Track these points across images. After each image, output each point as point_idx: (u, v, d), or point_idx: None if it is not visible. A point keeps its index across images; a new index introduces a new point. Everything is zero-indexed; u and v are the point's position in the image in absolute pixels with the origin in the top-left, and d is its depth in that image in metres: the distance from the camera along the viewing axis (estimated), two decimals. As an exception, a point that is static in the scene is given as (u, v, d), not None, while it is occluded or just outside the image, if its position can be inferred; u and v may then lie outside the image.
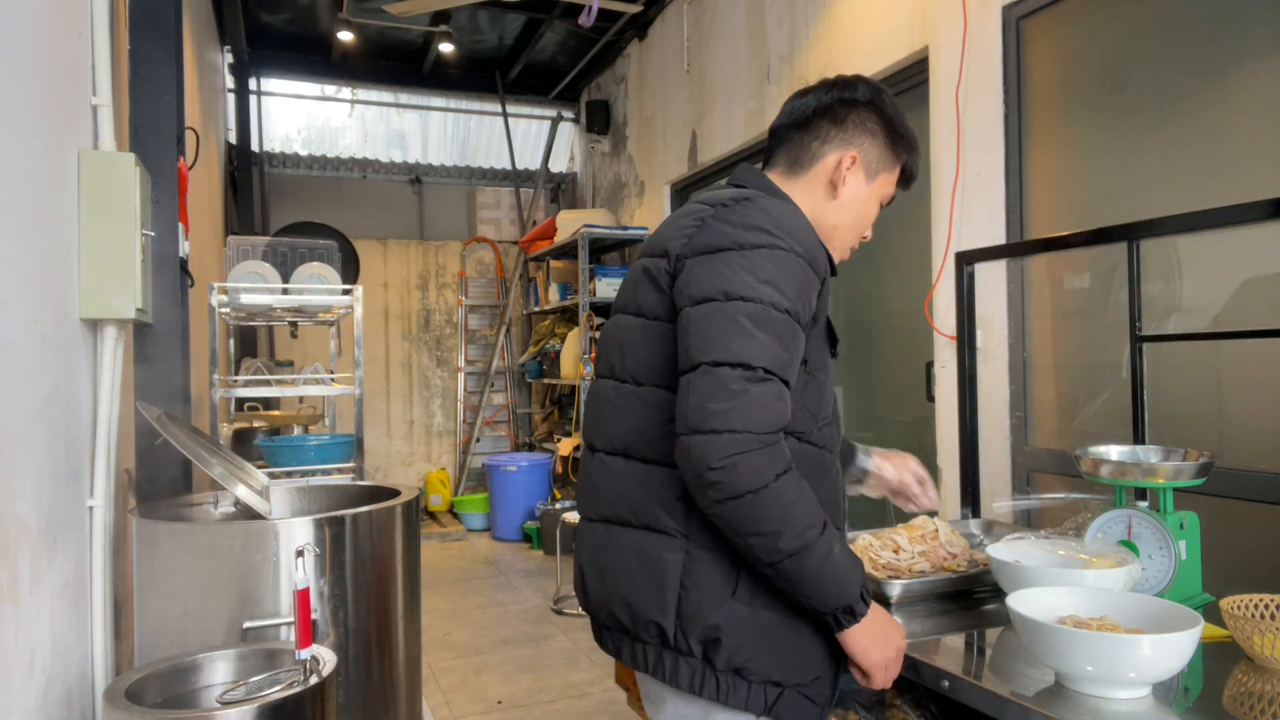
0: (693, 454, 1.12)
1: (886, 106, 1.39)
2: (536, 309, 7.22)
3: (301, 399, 5.56)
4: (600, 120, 6.79)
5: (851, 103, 1.38)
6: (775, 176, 1.41)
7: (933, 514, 1.78)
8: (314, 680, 1.37)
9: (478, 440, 7.38)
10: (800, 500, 1.15)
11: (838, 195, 1.38)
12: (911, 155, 1.43)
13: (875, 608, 1.23)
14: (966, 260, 2.23)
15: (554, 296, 6.65)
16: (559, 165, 7.80)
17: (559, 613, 4.57)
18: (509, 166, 7.61)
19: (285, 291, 3.49)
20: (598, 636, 1.40)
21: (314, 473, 3.32)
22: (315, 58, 6.81)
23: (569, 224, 6.26)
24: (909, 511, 1.73)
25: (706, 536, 1.23)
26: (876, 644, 1.22)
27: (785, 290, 1.18)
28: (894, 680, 1.26)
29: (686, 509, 1.23)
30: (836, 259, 1.42)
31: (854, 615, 1.20)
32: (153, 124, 2.30)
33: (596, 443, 1.37)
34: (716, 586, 1.22)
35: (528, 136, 7.73)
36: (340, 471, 3.40)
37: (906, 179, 1.45)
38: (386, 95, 7.26)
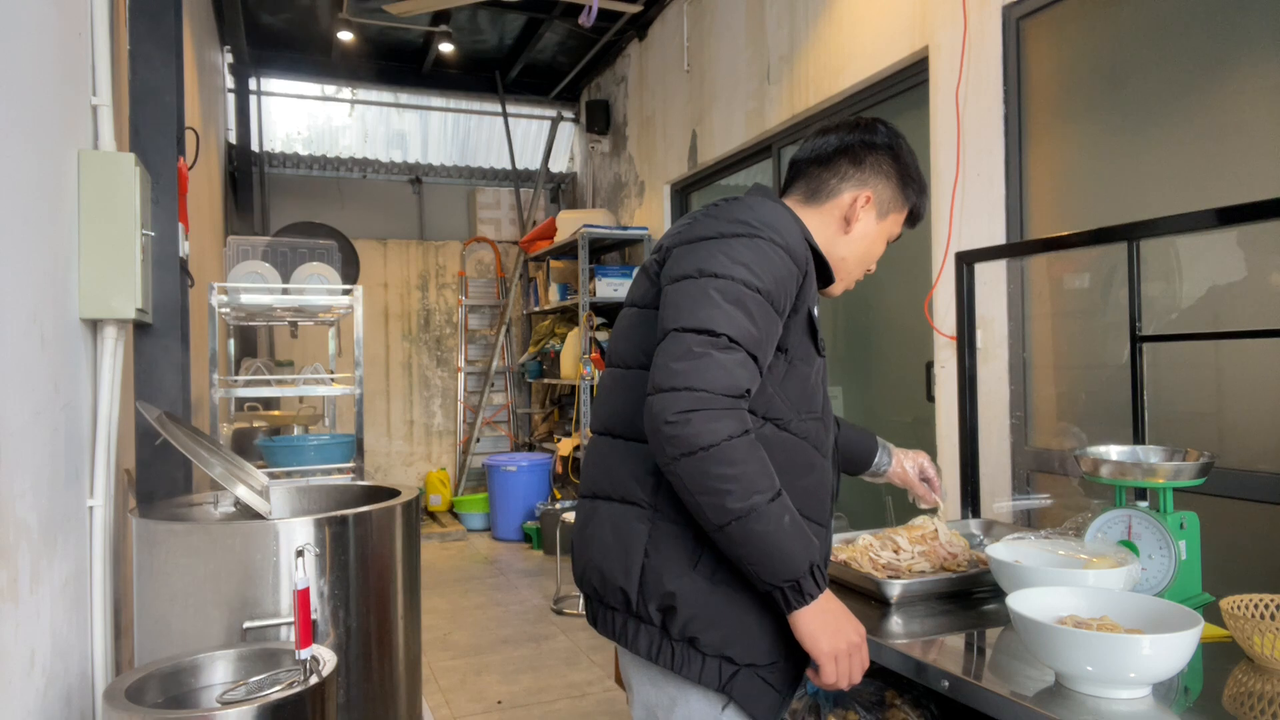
0: (653, 410, 1.18)
1: (903, 152, 1.49)
2: (536, 309, 7.22)
3: (301, 399, 5.56)
4: (600, 120, 6.79)
5: (871, 146, 1.47)
6: (791, 203, 1.50)
7: (933, 511, 1.83)
8: (314, 680, 1.37)
9: (478, 440, 7.38)
10: (753, 464, 1.17)
11: (850, 231, 1.47)
12: (920, 198, 1.52)
13: (829, 595, 1.23)
14: (966, 260, 2.23)
15: (554, 296, 6.65)
16: (559, 165, 7.80)
17: (559, 613, 4.56)
18: (509, 166, 7.61)
19: (285, 291, 3.49)
20: (586, 608, 1.46)
21: (314, 473, 3.32)
22: (315, 58, 6.81)
23: (569, 224, 6.26)
24: (920, 508, 1.84)
25: (674, 509, 1.28)
26: (826, 631, 1.20)
27: (758, 272, 1.25)
28: (851, 681, 1.23)
29: (656, 483, 1.30)
30: (839, 289, 1.53)
31: (801, 594, 1.19)
32: (153, 124, 2.30)
33: (594, 424, 1.46)
34: (678, 557, 1.27)
35: (528, 136, 7.73)
36: (340, 471, 3.40)
37: (914, 219, 1.54)
38: (386, 95, 7.26)
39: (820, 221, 1.47)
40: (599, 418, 1.43)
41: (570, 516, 4.75)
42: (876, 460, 1.81)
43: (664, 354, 1.20)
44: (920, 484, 1.81)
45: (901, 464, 1.81)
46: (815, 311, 1.39)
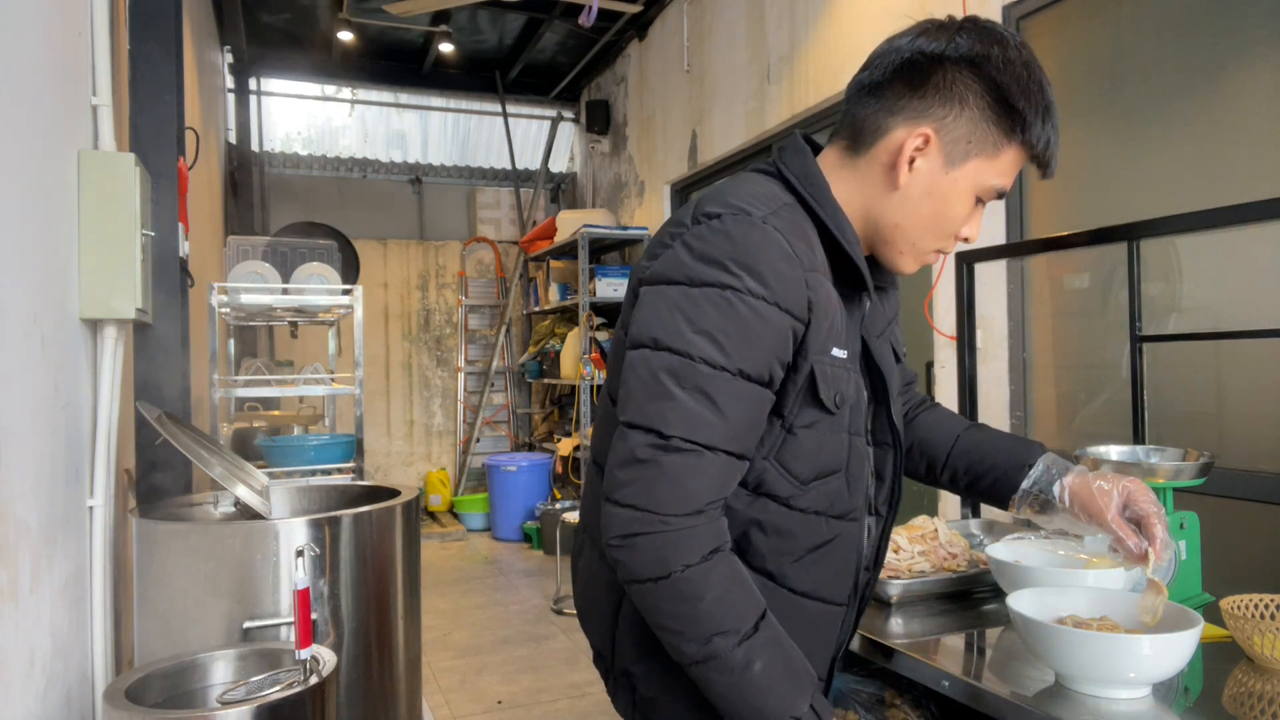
0: (601, 523, 0.99)
1: (996, 64, 1.01)
2: (536, 309, 7.22)
3: (301, 399, 5.55)
4: (600, 120, 6.79)
5: (939, 59, 1.02)
6: (832, 156, 1.13)
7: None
8: (314, 680, 1.37)
9: (478, 440, 7.38)
10: (716, 595, 0.95)
11: (898, 185, 1.06)
12: (1037, 129, 1.04)
13: None
14: (966, 260, 2.23)
15: (554, 296, 6.65)
16: (559, 165, 7.80)
17: (559, 613, 4.56)
18: (509, 166, 7.61)
19: (285, 291, 3.49)
20: None
21: (314, 473, 3.32)
22: (315, 58, 6.81)
23: (569, 224, 6.26)
24: (1125, 566, 1.21)
25: None
26: None
27: (725, 343, 0.96)
28: None
29: None
30: (911, 264, 1.13)
31: None
32: (153, 124, 2.30)
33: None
34: (642, 637, 1.08)
35: (528, 136, 7.73)
36: (340, 471, 3.40)
37: (1037, 161, 1.07)
38: (386, 95, 7.26)
39: (859, 181, 1.09)
40: (591, 445, 1.22)
41: (570, 517, 4.75)
42: (1032, 480, 1.25)
43: (614, 452, 0.99)
44: (1127, 526, 1.15)
45: (1089, 489, 1.18)
46: (839, 354, 1.06)
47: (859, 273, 1.08)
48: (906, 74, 1.04)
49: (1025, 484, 1.26)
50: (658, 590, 0.95)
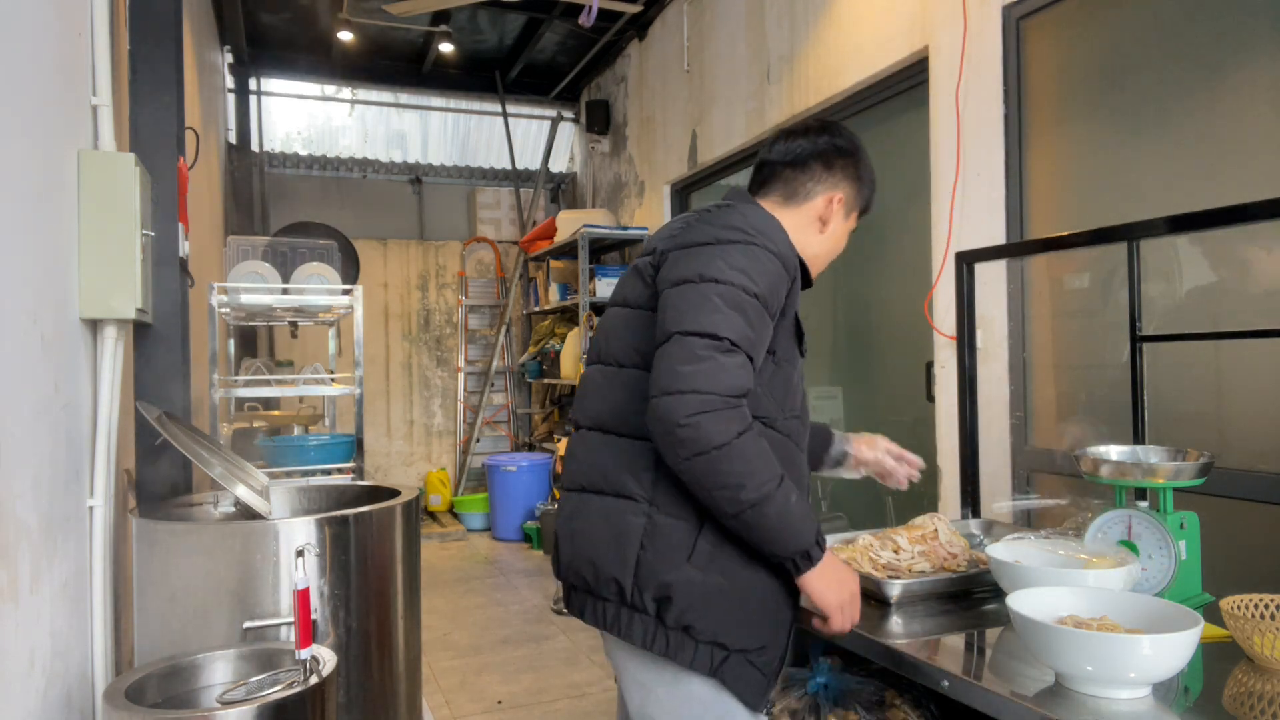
0: (661, 413, 1.24)
1: (864, 155, 1.60)
2: (536, 309, 7.22)
3: (301, 399, 5.55)
4: (600, 120, 6.79)
5: (840, 150, 1.56)
6: (768, 204, 1.56)
7: (911, 485, 1.84)
8: (314, 680, 1.37)
9: (478, 440, 7.38)
10: (760, 455, 1.26)
11: (825, 230, 1.57)
12: (873, 195, 1.64)
13: (830, 555, 1.35)
14: (966, 260, 2.23)
15: (554, 296, 6.65)
16: (559, 165, 7.81)
17: (559, 613, 4.56)
18: (509, 166, 7.61)
19: (285, 291, 3.49)
20: (566, 600, 1.49)
21: (314, 473, 3.32)
22: (315, 57, 6.80)
23: (569, 224, 6.26)
24: (891, 487, 1.83)
25: (670, 504, 1.34)
26: (832, 587, 1.34)
27: (755, 278, 1.32)
28: (852, 625, 1.38)
29: (654, 478, 1.35)
30: (813, 278, 1.62)
31: (810, 560, 1.31)
32: (153, 124, 2.30)
33: (580, 419, 1.50)
34: (673, 549, 1.33)
35: (528, 136, 7.73)
36: (340, 471, 3.40)
37: (865, 214, 1.67)
38: (386, 95, 7.26)
39: (796, 223, 1.54)
40: (587, 413, 1.47)
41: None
42: (834, 449, 1.80)
43: (668, 357, 1.26)
44: (892, 461, 1.80)
45: (861, 450, 1.80)
46: (798, 314, 1.48)
47: (806, 270, 1.55)
48: (822, 159, 1.55)
49: (831, 454, 1.79)
50: (721, 455, 1.23)
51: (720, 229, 1.37)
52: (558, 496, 6.27)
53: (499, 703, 3.43)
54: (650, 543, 1.33)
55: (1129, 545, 1.54)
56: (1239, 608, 1.32)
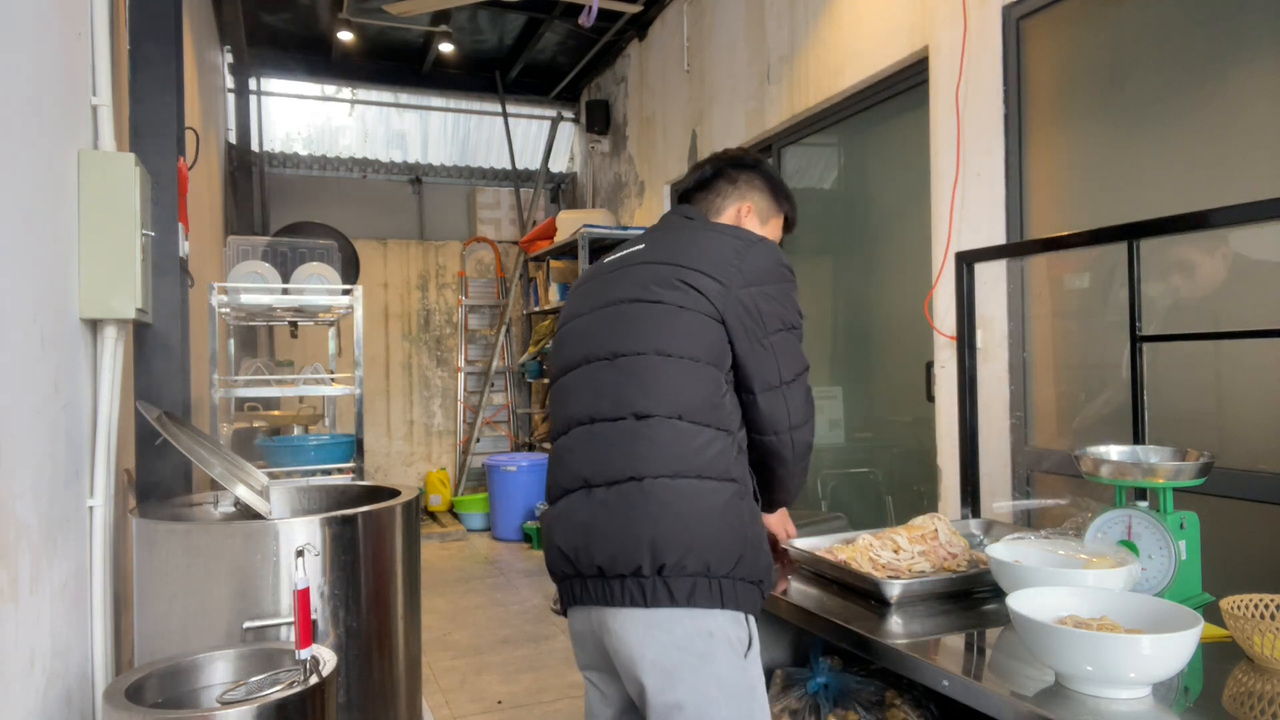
0: (801, 436, 1.58)
1: (769, 169, 1.79)
2: (536, 309, 7.22)
3: (301, 399, 5.55)
4: (600, 120, 6.79)
5: (741, 165, 1.76)
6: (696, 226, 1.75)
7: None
8: (314, 680, 1.37)
9: (478, 440, 7.38)
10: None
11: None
12: (791, 208, 1.80)
13: None
14: (966, 260, 2.23)
15: (554, 296, 6.65)
16: (559, 165, 7.80)
17: (559, 613, 4.55)
18: (509, 166, 7.61)
19: (285, 291, 3.49)
20: (570, 595, 1.55)
21: (314, 473, 3.32)
22: (315, 58, 6.81)
23: (569, 224, 6.26)
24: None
25: (748, 482, 1.56)
26: (784, 516, 1.91)
27: (799, 317, 1.62)
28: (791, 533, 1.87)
29: (742, 463, 1.54)
30: None
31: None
32: (153, 124, 2.30)
33: (617, 409, 1.51)
34: (753, 517, 1.53)
35: (528, 136, 7.73)
36: (340, 471, 3.40)
37: (789, 225, 1.83)
38: (386, 95, 7.26)
39: None
40: (622, 404, 1.50)
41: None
42: None
43: (796, 397, 1.56)
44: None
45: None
46: None
47: None
48: (724, 176, 1.75)
49: None
50: (809, 449, 1.62)
51: (777, 266, 1.57)
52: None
53: (499, 703, 3.43)
54: (751, 518, 1.51)
55: (1129, 545, 1.54)
56: (1239, 608, 1.32)
